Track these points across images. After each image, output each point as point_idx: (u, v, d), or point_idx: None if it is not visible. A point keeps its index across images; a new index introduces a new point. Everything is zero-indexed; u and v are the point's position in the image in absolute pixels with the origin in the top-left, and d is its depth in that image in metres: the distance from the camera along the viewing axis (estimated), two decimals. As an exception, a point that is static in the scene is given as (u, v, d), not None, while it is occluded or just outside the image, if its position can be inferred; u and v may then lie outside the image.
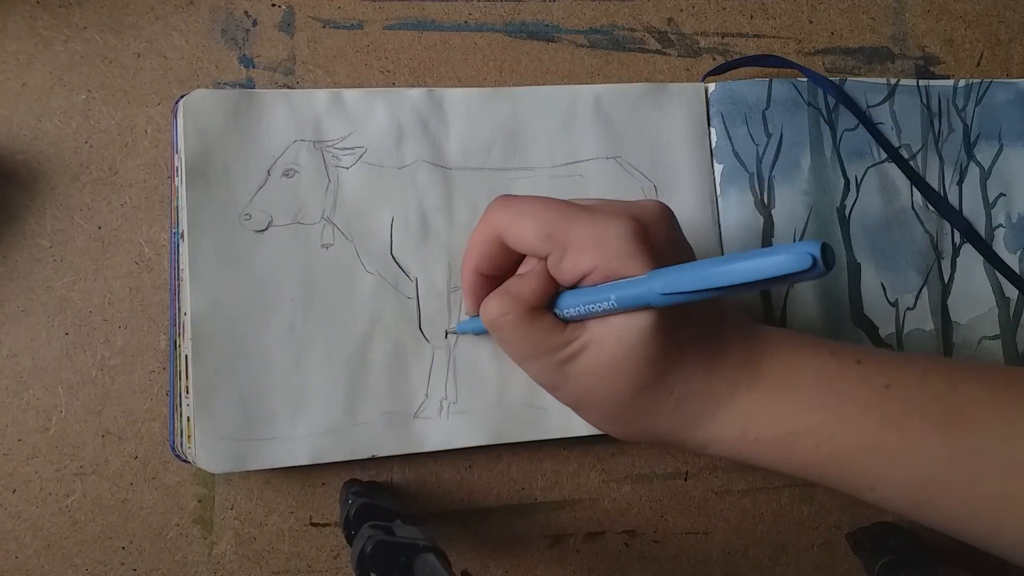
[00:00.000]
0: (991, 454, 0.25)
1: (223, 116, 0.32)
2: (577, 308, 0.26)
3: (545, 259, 0.27)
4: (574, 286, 0.27)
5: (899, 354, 0.32)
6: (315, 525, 0.34)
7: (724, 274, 0.22)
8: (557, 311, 0.27)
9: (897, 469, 0.26)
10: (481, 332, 0.32)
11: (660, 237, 0.27)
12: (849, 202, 0.39)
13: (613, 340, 0.26)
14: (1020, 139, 0.41)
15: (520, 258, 0.29)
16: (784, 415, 0.27)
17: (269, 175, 0.33)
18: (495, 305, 0.27)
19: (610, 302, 0.25)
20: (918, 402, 0.26)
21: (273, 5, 0.37)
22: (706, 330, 0.28)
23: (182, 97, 0.32)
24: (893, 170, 0.40)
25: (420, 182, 0.34)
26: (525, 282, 0.27)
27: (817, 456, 0.27)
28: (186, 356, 0.31)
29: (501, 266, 0.29)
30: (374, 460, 0.35)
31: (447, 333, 0.34)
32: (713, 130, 0.38)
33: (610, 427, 0.29)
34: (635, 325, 0.26)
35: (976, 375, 0.27)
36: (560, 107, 0.36)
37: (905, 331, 0.39)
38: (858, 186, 0.39)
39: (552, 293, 0.27)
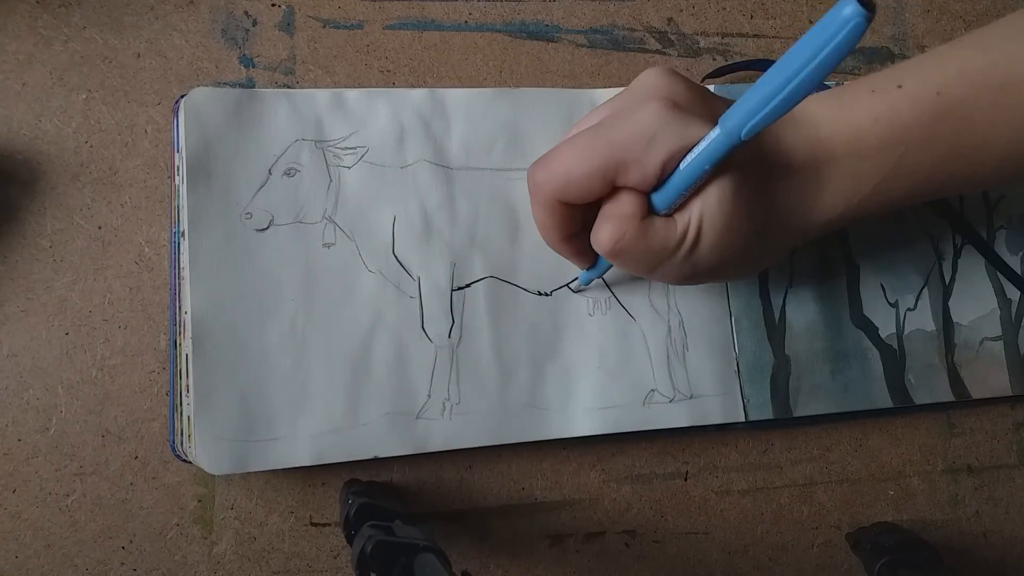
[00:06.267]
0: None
1: (224, 114, 0.32)
2: (677, 197, 0.27)
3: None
4: (657, 184, 0.27)
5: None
6: (315, 525, 0.34)
7: (782, 75, 0.21)
8: (659, 211, 0.28)
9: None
10: (601, 273, 0.33)
11: (684, 95, 0.28)
12: (849, 202, 0.39)
13: (717, 202, 0.27)
14: (1020, 139, 0.41)
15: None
16: (872, 157, 0.28)
17: (270, 174, 0.33)
18: (607, 232, 0.28)
19: (704, 170, 0.26)
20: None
21: (273, 5, 0.37)
22: (768, 147, 0.29)
23: (183, 96, 0.32)
24: (893, 170, 0.40)
25: (422, 181, 0.34)
26: (622, 201, 0.28)
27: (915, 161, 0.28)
28: (186, 355, 0.31)
29: (579, 219, 0.30)
30: (375, 460, 0.35)
31: (571, 288, 0.35)
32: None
33: (751, 270, 0.32)
34: (728, 181, 0.27)
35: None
36: (561, 109, 0.36)
37: (906, 332, 0.39)
38: (858, 186, 0.39)
39: (646, 199, 0.28)
